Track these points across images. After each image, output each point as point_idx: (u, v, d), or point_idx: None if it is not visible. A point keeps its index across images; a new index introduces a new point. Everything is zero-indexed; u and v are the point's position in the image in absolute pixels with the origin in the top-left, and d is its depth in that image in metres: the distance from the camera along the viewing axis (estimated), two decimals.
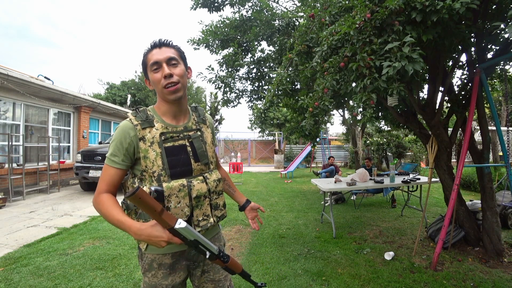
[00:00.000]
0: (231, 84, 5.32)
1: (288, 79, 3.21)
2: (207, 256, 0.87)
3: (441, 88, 3.19)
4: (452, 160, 3.52)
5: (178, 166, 0.99)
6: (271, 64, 5.16)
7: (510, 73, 3.79)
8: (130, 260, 2.78)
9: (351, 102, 4.65)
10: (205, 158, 1.07)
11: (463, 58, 3.27)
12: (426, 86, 3.61)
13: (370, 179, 4.34)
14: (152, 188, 0.92)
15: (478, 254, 2.91)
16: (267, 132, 21.94)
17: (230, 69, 5.34)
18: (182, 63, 1.03)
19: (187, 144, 1.03)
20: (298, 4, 5.19)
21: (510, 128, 3.90)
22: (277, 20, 4.79)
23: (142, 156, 0.95)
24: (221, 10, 4.98)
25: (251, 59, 5.23)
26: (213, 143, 1.18)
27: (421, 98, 3.56)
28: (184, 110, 1.08)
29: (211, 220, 1.06)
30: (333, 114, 13.41)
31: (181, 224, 0.83)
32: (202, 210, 1.03)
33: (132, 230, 0.84)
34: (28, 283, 2.34)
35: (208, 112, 18.47)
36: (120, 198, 0.92)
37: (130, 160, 0.97)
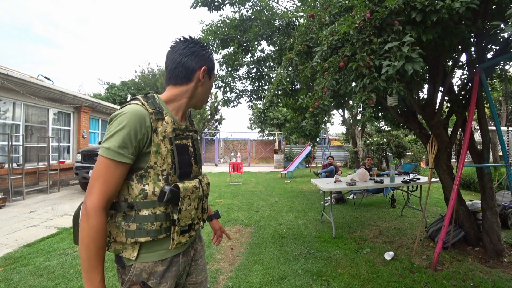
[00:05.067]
0: (231, 84, 5.32)
1: (288, 79, 3.21)
2: None
3: (441, 88, 3.19)
4: (452, 160, 3.52)
5: (184, 166, 0.92)
6: (271, 64, 5.16)
7: (510, 73, 3.79)
8: None
9: (351, 102, 4.65)
10: (200, 160, 1.05)
11: (463, 58, 3.27)
12: (426, 86, 3.61)
13: (370, 179, 4.34)
14: (167, 188, 0.83)
15: (478, 254, 2.91)
16: (267, 132, 21.91)
17: (230, 69, 5.34)
18: None
19: (190, 144, 0.98)
20: (298, 4, 5.19)
21: (510, 128, 3.91)
22: (277, 20, 4.80)
23: (154, 151, 0.83)
24: (221, 9, 4.98)
25: (251, 59, 5.23)
26: None
27: (421, 98, 3.56)
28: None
29: (201, 223, 1.03)
30: (333, 114, 13.42)
31: None
32: (198, 213, 0.98)
33: (92, 282, 0.75)
34: (28, 283, 2.34)
35: (208, 112, 18.46)
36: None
37: (137, 155, 0.82)
